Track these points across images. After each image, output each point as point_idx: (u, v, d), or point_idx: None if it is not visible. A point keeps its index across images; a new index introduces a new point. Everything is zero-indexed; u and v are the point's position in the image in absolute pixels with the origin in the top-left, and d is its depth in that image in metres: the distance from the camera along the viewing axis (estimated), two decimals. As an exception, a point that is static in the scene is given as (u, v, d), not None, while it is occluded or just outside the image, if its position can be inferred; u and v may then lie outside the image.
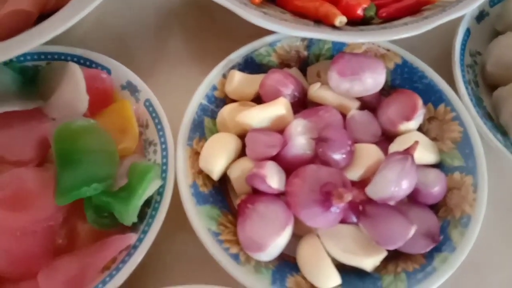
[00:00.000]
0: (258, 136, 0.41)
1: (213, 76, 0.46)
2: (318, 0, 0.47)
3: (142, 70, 0.52)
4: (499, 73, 0.48)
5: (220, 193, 0.43)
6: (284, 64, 0.50)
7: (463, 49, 0.49)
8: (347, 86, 0.44)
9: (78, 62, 0.48)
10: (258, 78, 0.46)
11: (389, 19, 0.47)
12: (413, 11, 0.47)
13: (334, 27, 0.46)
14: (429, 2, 0.47)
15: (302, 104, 0.46)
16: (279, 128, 0.43)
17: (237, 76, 0.46)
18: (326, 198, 0.36)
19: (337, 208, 0.37)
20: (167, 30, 0.57)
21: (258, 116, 0.42)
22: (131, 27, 0.57)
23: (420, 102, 0.44)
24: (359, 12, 0.46)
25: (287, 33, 0.44)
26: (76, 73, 0.45)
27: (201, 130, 0.45)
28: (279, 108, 0.42)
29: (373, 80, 0.43)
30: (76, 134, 0.42)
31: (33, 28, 0.45)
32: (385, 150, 0.43)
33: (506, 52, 0.47)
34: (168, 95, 0.50)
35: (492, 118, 0.48)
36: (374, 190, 0.38)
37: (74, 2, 0.48)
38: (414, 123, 0.44)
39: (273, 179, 0.38)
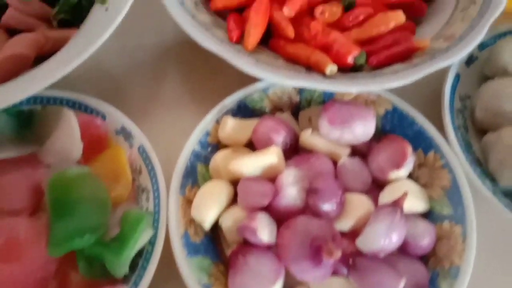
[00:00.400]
0: (249, 186, 0.42)
1: (207, 122, 0.47)
2: (310, 47, 0.48)
3: (136, 111, 0.53)
4: (488, 119, 0.49)
5: (212, 241, 0.44)
6: (276, 108, 0.50)
7: (452, 93, 0.50)
8: (337, 134, 0.44)
9: (73, 107, 0.49)
10: (250, 124, 0.47)
11: (379, 66, 0.48)
12: (403, 57, 0.48)
13: (325, 74, 0.46)
14: (418, 49, 0.48)
15: (294, 149, 0.47)
16: (271, 176, 0.43)
17: (230, 122, 0.47)
18: (316, 253, 0.37)
19: (327, 263, 0.37)
20: (161, 71, 0.58)
21: (250, 165, 0.43)
22: (125, 67, 0.58)
23: (409, 150, 0.45)
24: (350, 60, 0.47)
25: (279, 82, 0.45)
26: (71, 120, 0.45)
27: (194, 177, 0.45)
28: (271, 157, 0.43)
29: (363, 129, 0.44)
30: (70, 183, 0.42)
31: (33, 72, 0.46)
32: (375, 198, 0.44)
33: (494, 99, 0.48)
34: (162, 136, 0.51)
35: (481, 163, 0.48)
36: (364, 243, 0.39)
37: (71, 46, 0.49)
38: (404, 171, 0.45)
39: (264, 232, 0.39)
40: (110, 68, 0.58)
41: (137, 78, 0.57)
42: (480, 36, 0.47)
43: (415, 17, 0.54)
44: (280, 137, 0.45)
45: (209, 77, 0.57)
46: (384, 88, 0.45)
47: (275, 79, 0.44)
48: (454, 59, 0.46)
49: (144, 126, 0.49)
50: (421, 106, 0.49)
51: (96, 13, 0.52)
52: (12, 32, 0.53)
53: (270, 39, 0.52)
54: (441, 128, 0.48)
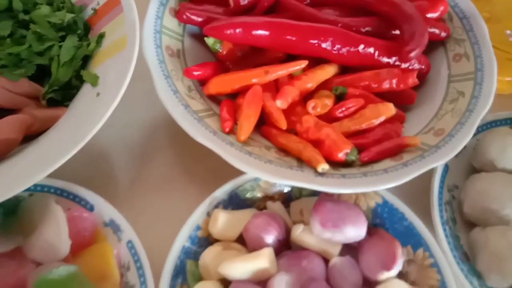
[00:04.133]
0: (240, 291, 0.41)
1: (197, 216, 0.47)
2: (302, 141, 0.48)
3: (124, 194, 0.53)
4: (476, 215, 0.49)
5: None
6: (267, 197, 0.50)
7: (441, 186, 0.51)
8: (329, 236, 0.44)
9: (61, 195, 0.48)
10: (242, 217, 0.47)
11: (370, 161, 0.48)
12: (394, 153, 0.49)
13: (316, 170, 0.47)
14: (409, 146, 0.49)
15: (285, 243, 0.47)
16: (262, 279, 0.43)
17: (221, 217, 0.46)
18: None
19: None
20: (150, 151, 0.57)
21: (241, 269, 0.43)
22: (112, 146, 0.57)
23: (399, 250, 0.45)
24: (341, 156, 0.47)
25: (271, 180, 0.45)
26: (59, 217, 0.45)
27: (183, 275, 0.45)
28: (262, 261, 0.42)
29: (354, 233, 0.44)
30: (57, 286, 0.41)
31: (27, 163, 0.45)
32: (365, 299, 0.44)
33: (481, 196, 0.49)
34: (150, 224, 0.51)
35: (469, 258, 0.49)
36: None
37: (63, 134, 0.48)
38: (394, 272, 0.45)
39: None
40: (94, 147, 0.56)
41: (125, 158, 0.57)
42: (470, 134, 0.48)
43: (405, 105, 0.55)
44: (272, 236, 0.45)
45: (199, 159, 0.56)
46: (375, 189, 0.45)
47: (268, 178, 0.45)
48: (445, 159, 0.46)
49: (131, 212, 0.48)
50: (409, 196, 0.50)
51: (86, 95, 0.51)
52: None
53: (262, 125, 0.52)
54: (429, 219, 0.49)
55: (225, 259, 0.43)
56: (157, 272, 0.44)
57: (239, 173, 0.47)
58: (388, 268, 0.44)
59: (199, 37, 0.58)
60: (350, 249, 0.47)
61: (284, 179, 0.45)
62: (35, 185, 0.48)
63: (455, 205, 0.52)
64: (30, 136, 0.50)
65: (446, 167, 0.52)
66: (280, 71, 0.51)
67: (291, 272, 0.43)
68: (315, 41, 0.52)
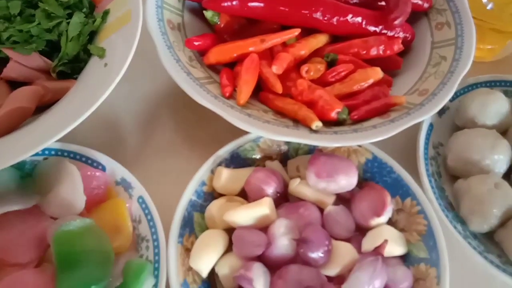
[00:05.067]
0: (244, 236, 0.45)
1: (202, 172, 0.50)
2: (297, 103, 0.52)
3: (131, 160, 0.56)
4: (459, 167, 0.54)
5: None
6: (266, 157, 0.54)
7: (426, 143, 0.55)
8: (323, 185, 0.48)
9: (74, 158, 0.52)
10: (243, 173, 0.51)
11: (360, 119, 0.52)
12: (382, 112, 0.53)
13: (310, 128, 0.50)
14: (395, 104, 0.53)
15: (283, 196, 0.51)
16: (264, 225, 0.47)
17: (224, 173, 0.50)
18: (307, 301, 0.40)
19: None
20: (155, 120, 0.61)
21: (244, 216, 0.46)
22: (119, 115, 0.61)
23: (389, 199, 0.49)
24: (333, 115, 0.51)
25: (269, 137, 0.49)
26: (74, 174, 0.48)
27: (190, 226, 0.48)
28: (263, 208, 0.46)
29: (346, 181, 0.48)
30: (75, 236, 0.45)
31: (40, 127, 0.48)
32: (358, 243, 0.48)
33: (464, 149, 0.53)
34: (157, 184, 0.54)
35: (453, 207, 0.53)
36: (349, 289, 0.43)
37: (73, 101, 0.51)
38: (384, 218, 0.49)
39: (259, 281, 0.42)
40: (104, 116, 0.60)
41: (131, 127, 0.60)
42: (451, 92, 0.52)
43: (392, 70, 0.59)
44: (271, 188, 0.49)
45: (201, 125, 0.61)
46: (365, 142, 0.49)
47: (266, 135, 0.48)
48: (429, 114, 0.50)
49: (140, 173, 0.52)
50: (397, 153, 0.54)
51: (94, 67, 0.55)
52: (12, 83, 0.55)
53: (259, 92, 0.56)
54: (416, 174, 0.53)
55: (229, 209, 0.47)
56: (166, 225, 0.48)
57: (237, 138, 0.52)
58: (378, 214, 0.48)
59: (197, 12, 0.61)
60: (343, 201, 0.51)
61: (282, 136, 0.48)
62: (49, 150, 0.52)
63: (440, 160, 0.56)
64: (43, 108, 0.54)
65: (431, 125, 0.56)
66: (275, 39, 0.55)
67: (289, 219, 0.47)
68: (307, 11, 0.56)
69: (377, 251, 0.44)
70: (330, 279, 0.45)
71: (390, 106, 0.53)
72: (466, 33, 0.57)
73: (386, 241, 0.45)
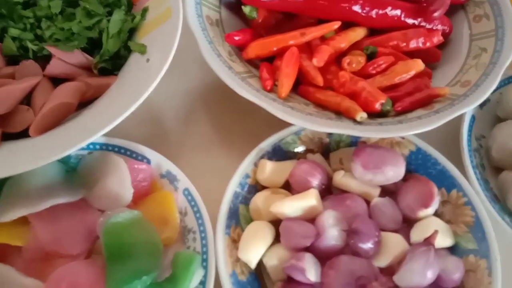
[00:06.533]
0: (292, 227, 0.45)
1: (246, 165, 0.51)
2: (339, 95, 0.52)
3: (173, 155, 0.56)
4: (504, 158, 0.53)
5: (257, 279, 0.47)
6: (308, 150, 0.54)
7: (469, 135, 0.55)
8: (370, 177, 0.48)
9: (119, 152, 0.52)
10: (287, 166, 0.50)
11: (403, 111, 0.52)
12: (425, 103, 0.52)
13: (354, 120, 0.50)
14: (439, 96, 0.52)
15: (327, 189, 0.51)
16: (310, 217, 0.47)
17: (268, 166, 0.50)
18: (361, 291, 0.40)
19: (371, 300, 0.40)
20: (194, 116, 0.62)
21: (291, 207, 0.46)
22: (159, 113, 0.61)
23: (435, 190, 0.49)
24: (377, 106, 0.51)
25: (314, 129, 0.48)
26: (122, 167, 0.48)
27: (236, 218, 0.49)
28: (310, 200, 0.46)
29: (393, 172, 0.48)
30: (124, 228, 0.45)
31: (86, 123, 0.49)
32: (406, 235, 0.47)
33: (509, 140, 0.52)
34: (199, 178, 0.54)
35: (499, 199, 0.52)
36: (402, 280, 0.42)
37: (116, 96, 0.52)
38: (431, 209, 0.48)
39: (311, 272, 0.42)
40: (146, 111, 0.61)
41: (171, 121, 0.61)
42: (495, 82, 0.51)
43: (431, 63, 0.58)
44: (316, 180, 0.49)
45: (238, 120, 0.61)
46: (410, 133, 0.49)
47: (311, 127, 0.48)
48: (474, 105, 0.50)
49: (183, 167, 0.52)
50: (439, 146, 0.54)
51: (135, 63, 0.55)
52: (55, 80, 0.56)
53: (298, 86, 0.56)
54: (459, 166, 0.52)
55: (274, 201, 0.47)
56: (211, 218, 0.48)
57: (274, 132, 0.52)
58: (426, 205, 0.48)
59: (234, 8, 0.62)
60: (387, 194, 0.50)
61: (327, 128, 0.48)
62: (94, 144, 0.52)
63: (483, 152, 0.56)
64: (85, 103, 0.54)
65: (473, 117, 0.56)
66: (315, 33, 0.55)
67: (337, 211, 0.46)
68: (346, 4, 0.56)
69: (428, 241, 0.44)
70: (380, 270, 0.44)
71: (434, 97, 0.53)
72: (507, 24, 0.57)
73: (436, 231, 0.44)
